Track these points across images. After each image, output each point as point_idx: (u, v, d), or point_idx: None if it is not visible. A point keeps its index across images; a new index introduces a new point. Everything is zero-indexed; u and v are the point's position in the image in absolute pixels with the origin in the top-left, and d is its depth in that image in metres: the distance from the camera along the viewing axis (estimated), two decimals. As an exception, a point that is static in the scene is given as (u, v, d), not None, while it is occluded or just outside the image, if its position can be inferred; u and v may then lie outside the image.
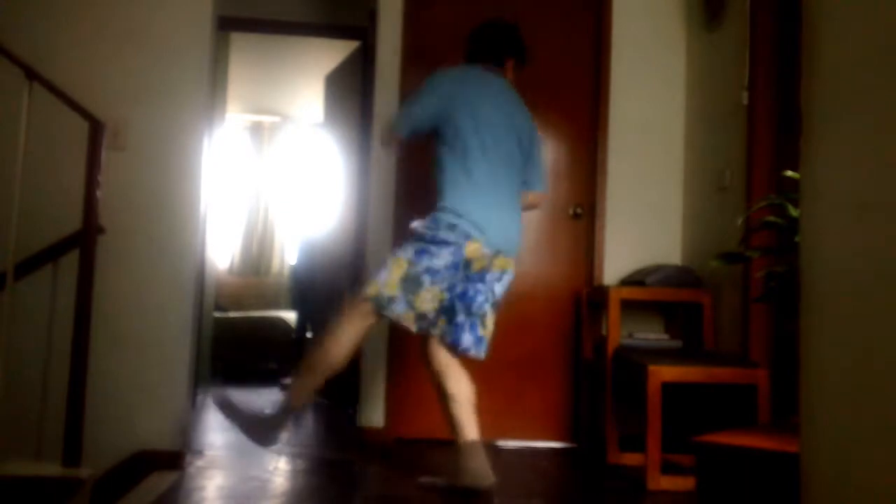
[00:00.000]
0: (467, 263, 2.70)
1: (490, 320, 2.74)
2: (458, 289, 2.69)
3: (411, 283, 2.67)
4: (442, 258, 2.68)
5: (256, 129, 7.19)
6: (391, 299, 2.67)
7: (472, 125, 2.76)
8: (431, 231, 2.70)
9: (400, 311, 2.67)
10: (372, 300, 2.69)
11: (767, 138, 3.07)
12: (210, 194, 3.60)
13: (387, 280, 2.68)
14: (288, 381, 5.40)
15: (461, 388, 2.69)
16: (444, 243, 2.68)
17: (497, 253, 2.73)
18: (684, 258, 3.74)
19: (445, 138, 2.78)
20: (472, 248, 2.69)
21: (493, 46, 2.97)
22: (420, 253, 2.69)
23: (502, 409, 3.62)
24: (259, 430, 2.72)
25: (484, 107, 2.79)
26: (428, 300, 2.67)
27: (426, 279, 2.67)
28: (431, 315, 2.70)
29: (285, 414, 2.74)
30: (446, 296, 2.69)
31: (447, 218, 2.70)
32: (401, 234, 3.46)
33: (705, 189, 3.56)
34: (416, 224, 2.76)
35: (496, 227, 2.73)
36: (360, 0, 4.33)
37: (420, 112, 2.80)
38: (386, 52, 3.71)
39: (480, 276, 2.70)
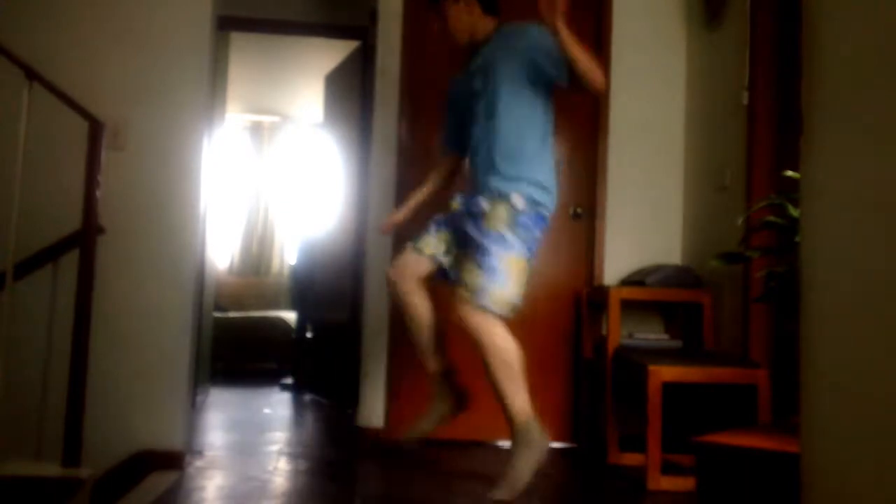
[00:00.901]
0: None
1: None
2: None
3: None
4: None
5: (256, 129, 7.20)
6: None
7: None
8: None
9: None
10: None
11: (767, 138, 3.07)
12: (210, 194, 3.60)
13: None
14: (288, 380, 5.41)
15: None
16: None
17: None
18: (684, 258, 3.74)
19: None
20: None
21: None
22: None
23: (502, 409, 3.61)
24: None
25: None
26: None
27: None
28: None
29: None
30: None
31: None
32: (400, 233, 3.46)
33: (705, 189, 3.56)
34: None
35: None
36: (360, 0, 4.33)
37: None
38: (386, 52, 3.71)
39: None
